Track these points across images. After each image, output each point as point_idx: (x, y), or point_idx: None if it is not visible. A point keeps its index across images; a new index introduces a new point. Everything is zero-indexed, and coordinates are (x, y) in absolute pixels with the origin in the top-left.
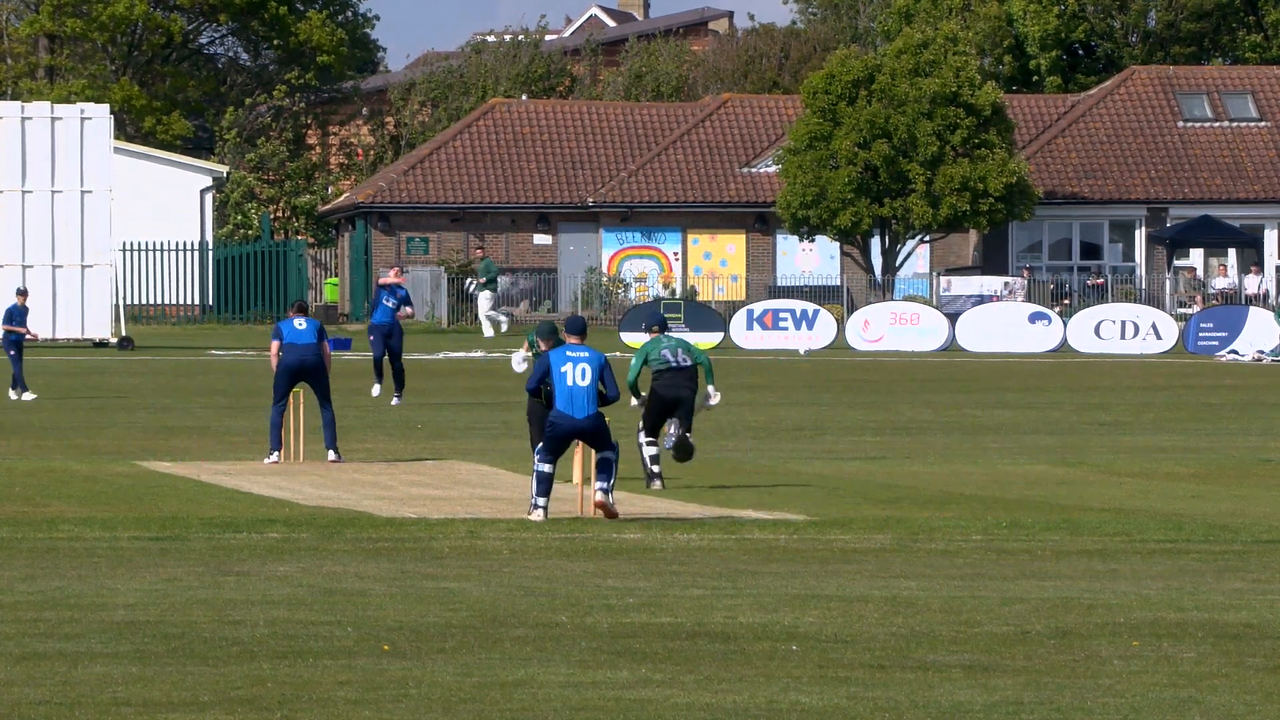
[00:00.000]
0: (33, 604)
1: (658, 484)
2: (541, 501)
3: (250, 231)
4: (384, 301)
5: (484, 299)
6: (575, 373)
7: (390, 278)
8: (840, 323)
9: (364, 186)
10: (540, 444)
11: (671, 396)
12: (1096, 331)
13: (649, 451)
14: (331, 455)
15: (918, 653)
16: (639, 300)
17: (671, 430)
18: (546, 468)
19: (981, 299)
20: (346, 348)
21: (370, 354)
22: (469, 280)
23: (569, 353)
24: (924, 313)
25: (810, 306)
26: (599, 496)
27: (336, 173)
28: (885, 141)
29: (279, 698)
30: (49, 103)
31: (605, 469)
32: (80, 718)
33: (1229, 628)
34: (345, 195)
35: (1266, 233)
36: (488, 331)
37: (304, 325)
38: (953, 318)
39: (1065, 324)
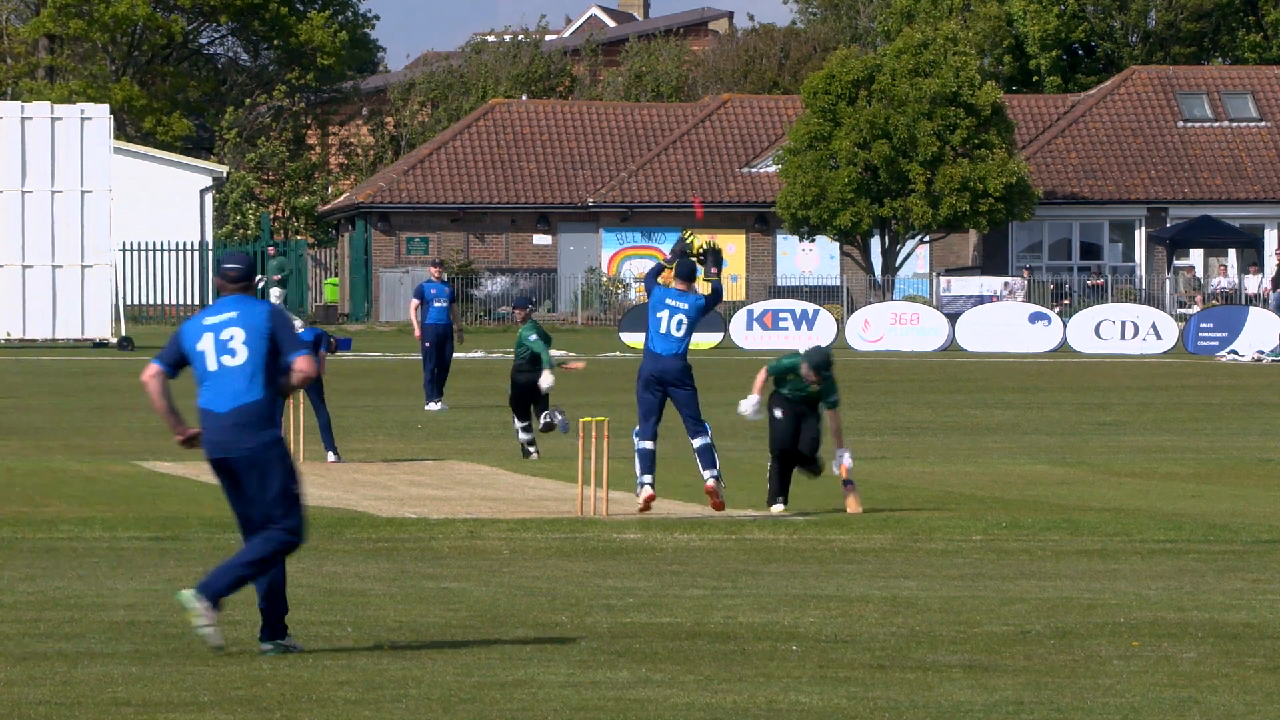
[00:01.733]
0: (33, 604)
1: (534, 455)
2: (647, 479)
3: (249, 231)
4: (434, 302)
5: (275, 296)
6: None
7: (434, 274)
8: (840, 323)
9: (364, 186)
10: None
11: (525, 382)
12: (1096, 331)
13: (524, 436)
14: (331, 456)
15: (918, 653)
16: (639, 300)
17: (544, 417)
18: (647, 444)
19: (981, 299)
20: (346, 347)
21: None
22: (259, 277)
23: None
24: (924, 313)
25: (810, 306)
26: (710, 483)
27: (336, 173)
28: (885, 141)
29: (279, 698)
30: (49, 103)
31: (707, 456)
32: (80, 718)
33: (1229, 628)
34: (345, 195)
35: (1266, 233)
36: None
37: (302, 329)
38: (953, 318)
39: (1065, 324)
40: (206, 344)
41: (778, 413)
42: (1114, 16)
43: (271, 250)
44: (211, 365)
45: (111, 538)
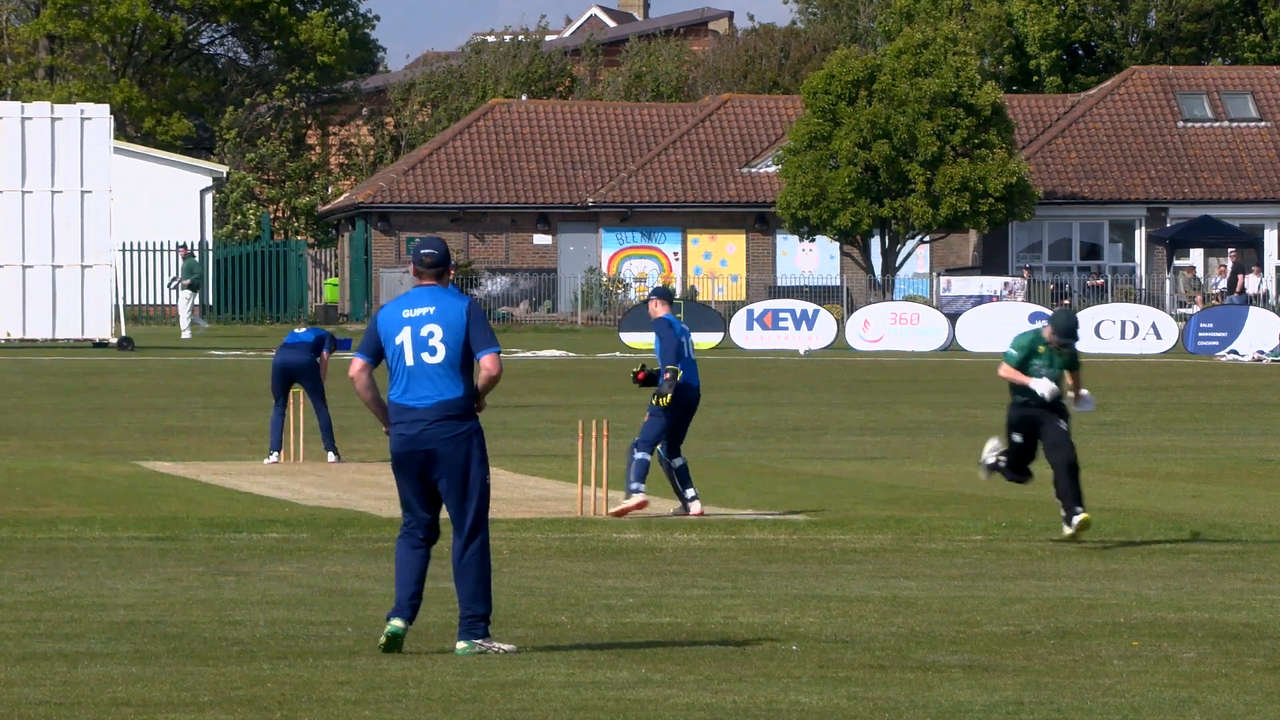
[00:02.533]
0: (33, 604)
1: None
2: (643, 487)
3: (249, 232)
4: None
5: (184, 299)
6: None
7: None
8: (840, 323)
9: (364, 186)
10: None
11: None
12: (1096, 331)
13: None
14: (331, 456)
15: (918, 653)
16: (639, 300)
17: None
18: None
19: (981, 299)
20: (346, 347)
21: None
22: (171, 279)
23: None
24: (924, 313)
25: (810, 306)
26: (699, 507)
27: (336, 173)
28: (885, 141)
29: (279, 698)
30: (49, 103)
31: (686, 475)
32: (80, 718)
33: (1229, 628)
34: (345, 195)
35: (1266, 233)
36: (187, 334)
37: (303, 330)
38: (953, 318)
39: None
40: (405, 337)
41: (1016, 437)
42: (1114, 16)
43: (184, 252)
44: (409, 360)
45: (111, 538)
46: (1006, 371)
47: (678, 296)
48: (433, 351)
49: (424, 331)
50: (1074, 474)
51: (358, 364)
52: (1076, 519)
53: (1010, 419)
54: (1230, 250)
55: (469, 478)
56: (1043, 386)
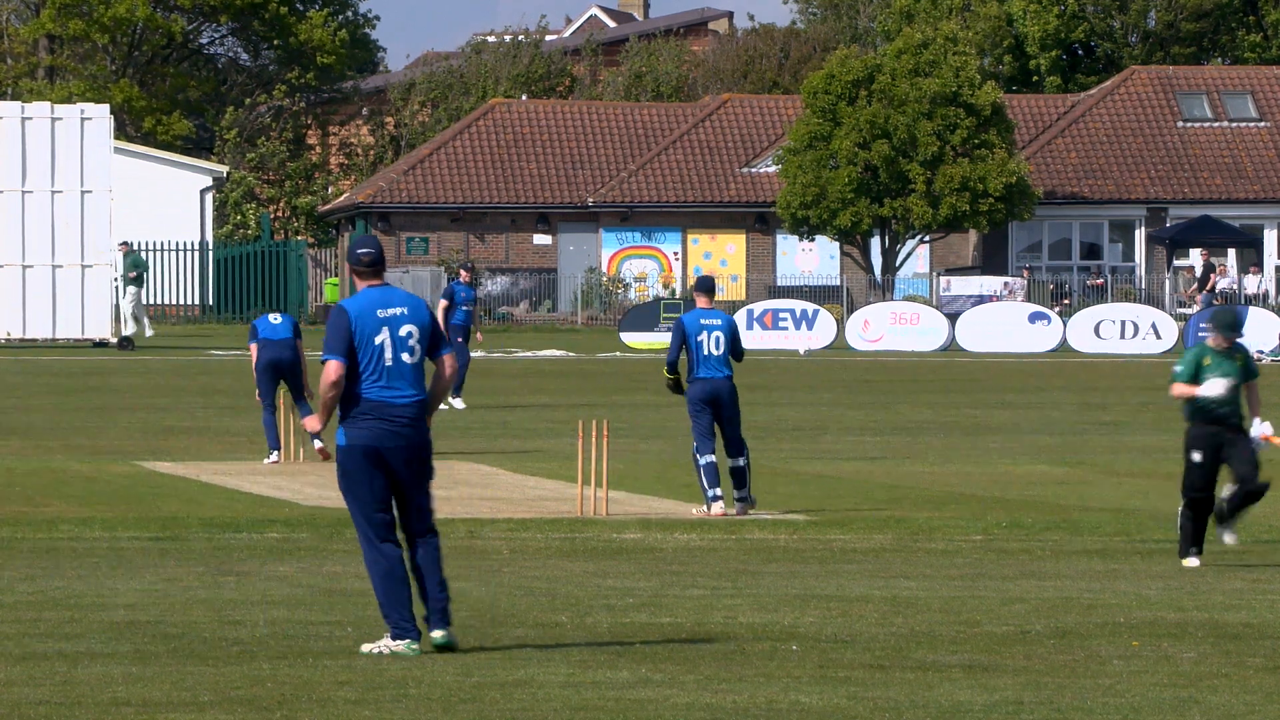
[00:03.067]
0: (33, 604)
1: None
2: (718, 491)
3: (249, 232)
4: (463, 305)
5: (129, 295)
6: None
7: (464, 278)
8: (840, 323)
9: (364, 186)
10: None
11: None
12: (1096, 331)
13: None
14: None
15: (918, 653)
16: (639, 300)
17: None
18: (711, 458)
19: (981, 299)
20: None
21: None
22: (115, 276)
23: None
24: (924, 313)
25: (810, 306)
26: (739, 508)
27: (336, 173)
28: (885, 141)
29: (279, 698)
30: (49, 103)
31: (740, 476)
32: (80, 718)
33: (1229, 628)
34: (345, 195)
35: (1266, 233)
36: (130, 329)
37: (279, 320)
38: (953, 318)
39: (1065, 324)
40: (385, 338)
41: (1195, 455)
42: (1114, 16)
43: (123, 248)
44: (389, 360)
45: (111, 538)
46: (1178, 390)
47: (678, 296)
48: (411, 352)
49: (402, 332)
50: (1250, 500)
51: (339, 367)
52: (1188, 562)
53: (1189, 438)
54: (1202, 250)
55: (428, 473)
56: (1213, 388)
